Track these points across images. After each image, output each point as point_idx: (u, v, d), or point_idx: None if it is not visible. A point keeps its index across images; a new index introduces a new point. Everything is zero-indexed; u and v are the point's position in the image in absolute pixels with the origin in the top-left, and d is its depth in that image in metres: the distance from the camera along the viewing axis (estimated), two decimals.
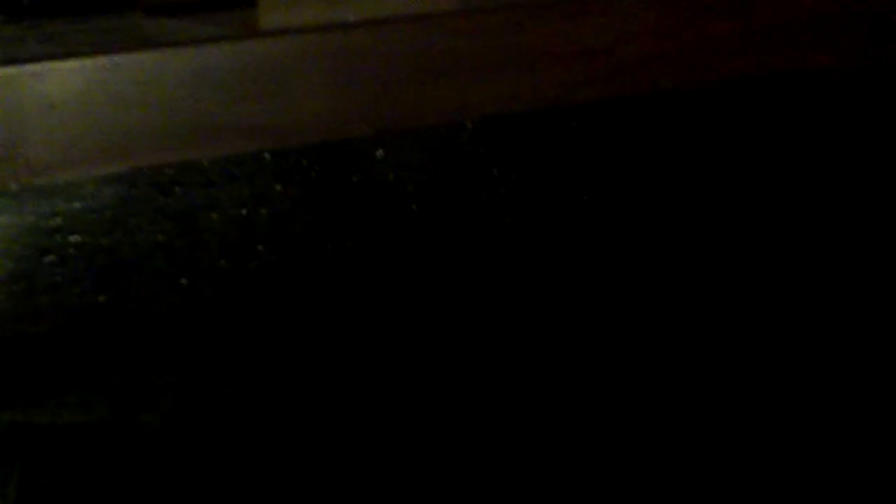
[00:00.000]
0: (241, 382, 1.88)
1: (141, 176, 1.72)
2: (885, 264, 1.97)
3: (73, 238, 1.79)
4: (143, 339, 1.85)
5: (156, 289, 1.87)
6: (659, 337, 1.96)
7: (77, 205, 1.72)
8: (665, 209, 1.98)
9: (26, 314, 1.83)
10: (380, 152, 1.81)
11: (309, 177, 1.80)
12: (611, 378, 1.95)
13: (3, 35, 1.52)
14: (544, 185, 1.91)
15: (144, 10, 1.57)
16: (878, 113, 2.00)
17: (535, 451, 1.90)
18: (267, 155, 1.78)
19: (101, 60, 1.45)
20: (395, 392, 1.90)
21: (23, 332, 1.85)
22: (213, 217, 1.82)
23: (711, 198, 2.01)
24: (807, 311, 1.98)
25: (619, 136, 1.96)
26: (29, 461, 1.83)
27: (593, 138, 1.94)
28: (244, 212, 1.83)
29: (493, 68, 1.70)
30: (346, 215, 1.86)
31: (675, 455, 1.82)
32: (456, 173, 1.88)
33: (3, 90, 1.46)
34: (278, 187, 1.81)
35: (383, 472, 1.85)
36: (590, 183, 1.93)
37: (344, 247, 1.88)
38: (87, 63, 1.45)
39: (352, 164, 1.84)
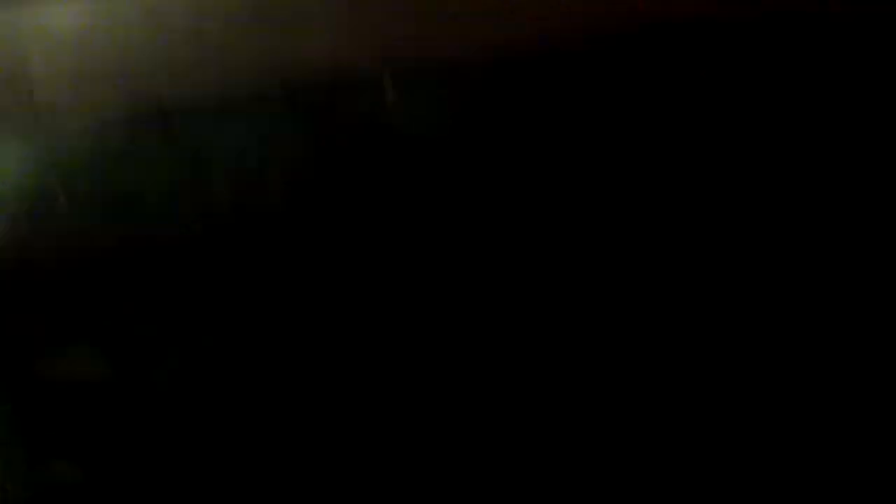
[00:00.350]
0: (253, 328, 1.87)
1: (148, 110, 1.70)
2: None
3: (80, 174, 1.78)
4: (154, 278, 1.84)
5: (165, 226, 1.85)
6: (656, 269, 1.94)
7: (84, 141, 1.71)
8: (674, 143, 1.95)
9: (33, 252, 1.82)
10: (390, 88, 1.79)
11: (318, 112, 1.78)
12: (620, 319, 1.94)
13: None
14: (558, 123, 1.88)
15: None
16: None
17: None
18: (275, 90, 1.75)
19: None
20: (409, 333, 1.89)
21: (29, 271, 1.84)
22: (223, 154, 1.80)
23: (729, 136, 1.98)
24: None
25: (635, 76, 1.93)
26: (36, 418, 1.83)
27: (605, 77, 1.91)
28: (254, 148, 1.81)
29: (503, 4, 1.68)
30: (357, 152, 1.83)
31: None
32: (467, 111, 1.86)
33: (7, 24, 1.45)
34: (288, 123, 1.79)
35: (391, 418, 1.85)
36: (602, 122, 1.90)
37: (355, 184, 1.86)
38: None
39: (361, 100, 1.82)
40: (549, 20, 1.72)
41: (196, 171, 1.79)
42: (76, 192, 1.77)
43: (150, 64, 1.58)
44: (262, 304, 1.87)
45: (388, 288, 1.88)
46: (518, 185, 1.88)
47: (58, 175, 1.76)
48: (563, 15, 1.70)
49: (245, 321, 1.87)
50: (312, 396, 1.84)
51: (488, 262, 1.89)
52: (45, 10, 1.47)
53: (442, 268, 1.88)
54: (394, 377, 1.84)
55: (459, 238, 1.89)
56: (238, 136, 1.78)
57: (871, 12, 1.85)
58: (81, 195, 1.77)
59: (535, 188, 1.90)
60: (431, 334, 1.87)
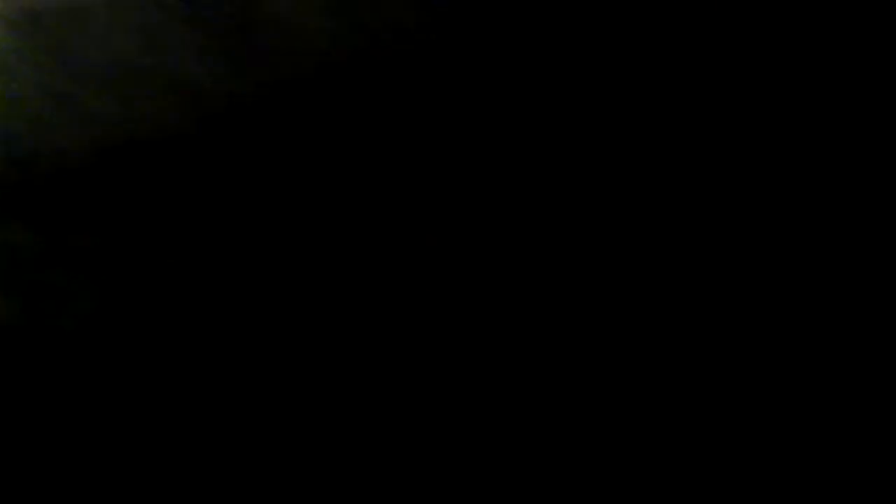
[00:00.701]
0: (161, 258, 1.81)
1: (26, 15, 1.63)
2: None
3: None
4: (33, 192, 1.78)
5: (53, 139, 1.80)
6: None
7: None
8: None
9: None
10: None
11: (203, 9, 1.71)
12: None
13: None
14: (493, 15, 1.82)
15: None
16: None
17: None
18: None
19: None
20: (343, 252, 1.84)
21: None
22: (104, 58, 1.73)
23: None
24: None
25: None
26: None
27: None
28: (139, 54, 1.74)
29: None
30: (245, 51, 1.78)
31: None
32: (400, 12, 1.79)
33: None
34: (171, 24, 1.72)
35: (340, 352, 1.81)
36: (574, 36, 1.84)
37: (261, 85, 1.80)
38: None
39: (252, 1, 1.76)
40: None
41: (74, 78, 1.72)
42: None
43: None
44: (145, 221, 1.81)
45: (294, 203, 1.84)
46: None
47: None
48: None
49: (124, 238, 1.81)
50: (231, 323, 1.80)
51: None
52: None
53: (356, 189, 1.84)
54: (326, 315, 1.80)
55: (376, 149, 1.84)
56: (119, 40, 1.71)
57: None
58: None
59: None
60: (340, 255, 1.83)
